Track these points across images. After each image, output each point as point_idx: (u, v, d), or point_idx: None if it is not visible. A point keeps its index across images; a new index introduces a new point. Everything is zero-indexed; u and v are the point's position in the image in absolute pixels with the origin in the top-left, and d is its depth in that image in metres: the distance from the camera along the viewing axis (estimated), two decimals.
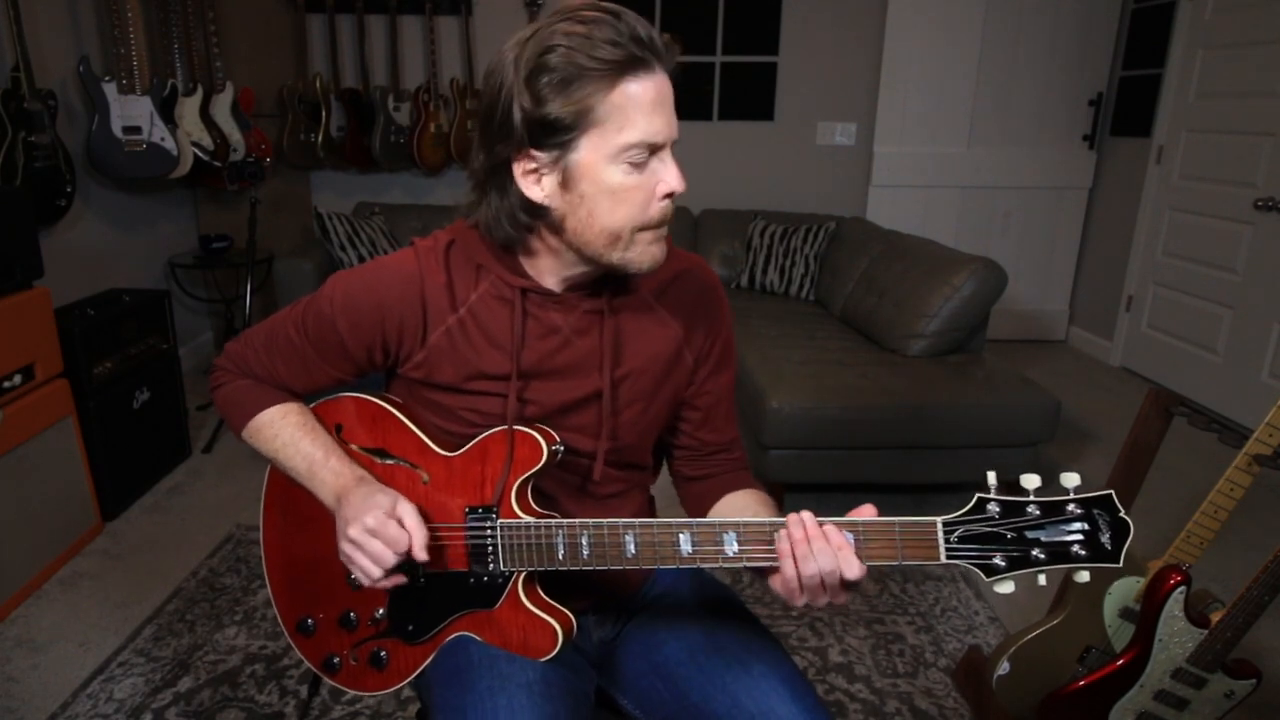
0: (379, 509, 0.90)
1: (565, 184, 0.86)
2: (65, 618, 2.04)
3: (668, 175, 0.87)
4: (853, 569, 0.80)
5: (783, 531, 0.83)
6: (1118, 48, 4.12)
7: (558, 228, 0.90)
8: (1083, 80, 4.18)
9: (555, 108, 0.81)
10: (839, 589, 0.83)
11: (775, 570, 0.85)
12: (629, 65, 0.81)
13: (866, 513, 0.84)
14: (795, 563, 0.82)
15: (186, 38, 3.36)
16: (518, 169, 0.87)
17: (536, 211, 0.89)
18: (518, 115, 0.83)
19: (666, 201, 0.88)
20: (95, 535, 2.40)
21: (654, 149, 0.85)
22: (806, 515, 0.83)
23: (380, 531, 0.89)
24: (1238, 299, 3.41)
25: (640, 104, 0.82)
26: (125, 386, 2.55)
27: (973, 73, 4.16)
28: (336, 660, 1.04)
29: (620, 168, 0.84)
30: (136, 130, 3.02)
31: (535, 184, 0.88)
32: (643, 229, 0.88)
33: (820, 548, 0.81)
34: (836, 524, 0.82)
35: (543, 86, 0.81)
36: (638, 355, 1.00)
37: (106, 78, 2.95)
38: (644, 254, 0.90)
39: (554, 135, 0.83)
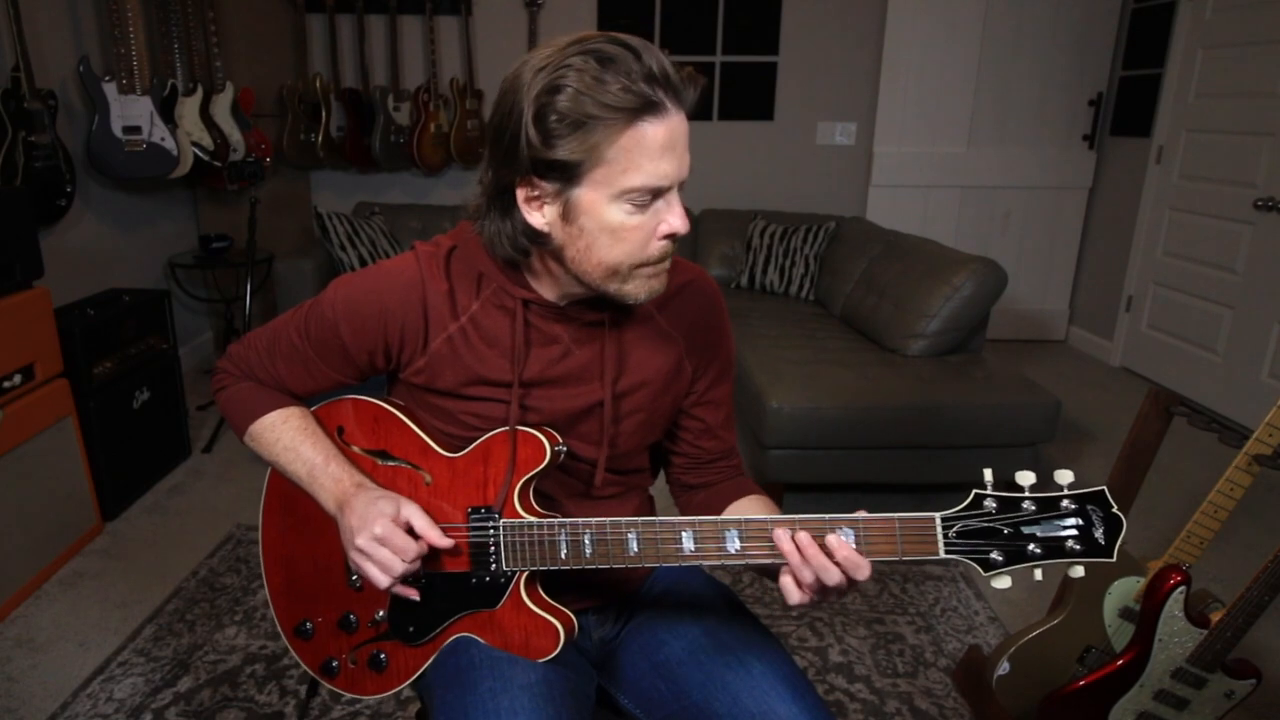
0: (384, 517, 0.90)
1: (566, 215, 0.86)
2: (65, 618, 2.04)
3: (670, 216, 0.86)
4: (862, 571, 0.81)
5: (781, 533, 0.84)
6: (1118, 48, 4.12)
7: (557, 255, 0.90)
8: (1083, 80, 4.18)
9: (561, 150, 0.80)
10: (844, 590, 0.83)
11: (780, 570, 0.86)
12: (641, 111, 0.79)
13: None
14: (794, 571, 0.83)
15: (186, 38, 3.36)
16: (520, 194, 0.87)
17: (536, 237, 0.89)
18: (524, 148, 0.82)
19: (667, 241, 0.87)
20: (95, 535, 2.40)
21: (659, 192, 0.84)
22: (802, 537, 0.83)
23: (388, 540, 0.89)
24: (1238, 299, 3.41)
25: (648, 149, 0.81)
26: (125, 386, 2.55)
27: (973, 73, 4.16)
28: (335, 663, 1.04)
29: (622, 208, 0.83)
30: (136, 130, 3.02)
31: (537, 210, 0.87)
32: (641, 265, 0.88)
33: (819, 564, 0.82)
34: (836, 520, 0.82)
35: (551, 125, 0.80)
36: (639, 367, 1.01)
37: (106, 78, 2.94)
38: (641, 288, 0.90)
39: (558, 171, 0.83)
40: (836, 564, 0.81)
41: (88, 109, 2.97)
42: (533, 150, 0.81)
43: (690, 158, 0.86)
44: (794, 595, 0.84)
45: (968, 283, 2.72)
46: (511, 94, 0.83)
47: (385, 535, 0.89)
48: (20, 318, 2.12)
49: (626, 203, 0.83)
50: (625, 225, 0.84)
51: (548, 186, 0.84)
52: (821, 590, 0.83)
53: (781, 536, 0.83)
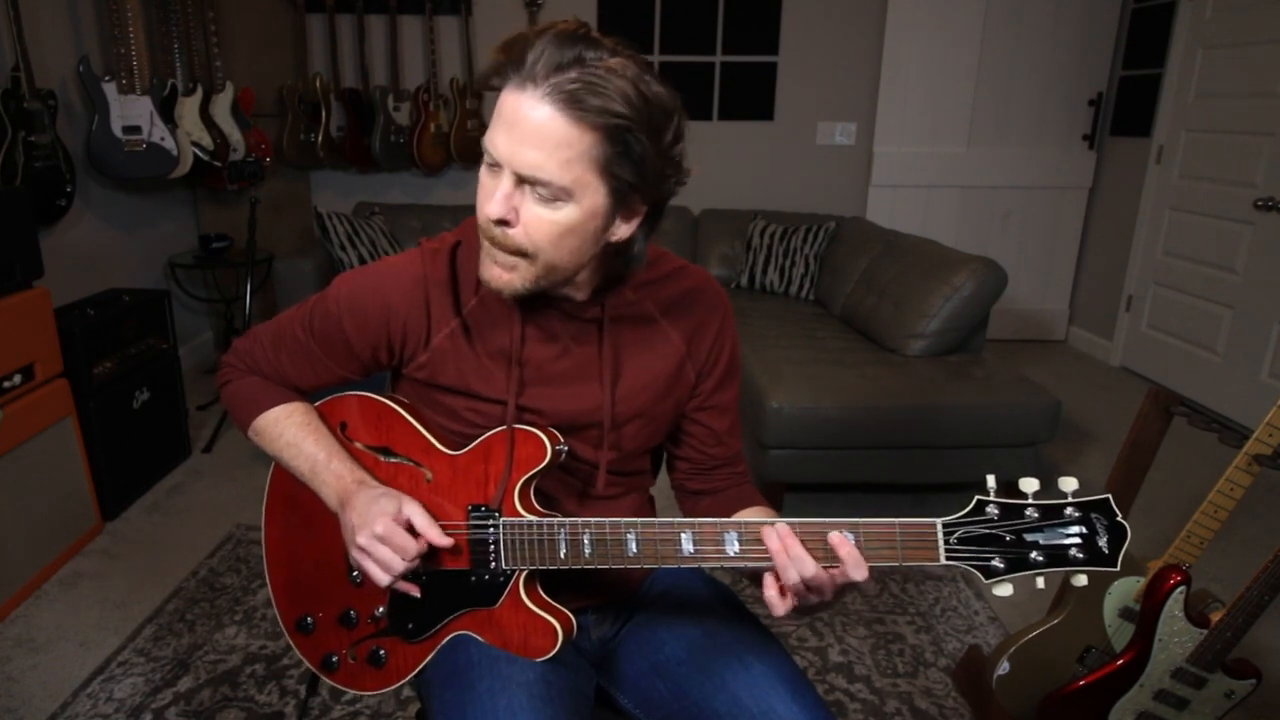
0: (386, 515, 0.90)
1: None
2: (65, 618, 2.04)
3: (491, 193, 0.84)
4: (860, 570, 0.81)
5: (770, 531, 0.84)
6: (1118, 48, 4.12)
7: None
8: (1083, 80, 4.18)
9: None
10: (829, 590, 0.83)
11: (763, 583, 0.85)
12: (493, 74, 0.81)
13: None
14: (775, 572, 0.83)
15: (186, 38, 3.36)
16: None
17: None
18: None
19: (487, 221, 0.84)
20: (95, 535, 2.40)
21: (495, 162, 0.83)
22: (781, 528, 0.83)
23: (389, 539, 0.89)
24: (1238, 299, 3.41)
25: (497, 111, 0.82)
26: (125, 386, 2.55)
27: (973, 73, 4.16)
28: (335, 659, 1.04)
29: (488, 158, 0.85)
30: (136, 130, 3.02)
31: None
32: (483, 236, 0.87)
33: (797, 554, 0.81)
34: (836, 524, 0.82)
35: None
36: (639, 368, 1.00)
37: (106, 77, 2.94)
38: (481, 265, 0.89)
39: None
40: (839, 559, 0.81)
41: (88, 109, 2.97)
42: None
43: (540, 157, 0.80)
44: (778, 605, 0.84)
45: (968, 283, 2.72)
46: None
47: (386, 534, 0.89)
48: (20, 318, 2.12)
49: (489, 154, 0.84)
50: (482, 179, 0.86)
51: None
52: (805, 593, 0.83)
53: (769, 534, 0.83)
